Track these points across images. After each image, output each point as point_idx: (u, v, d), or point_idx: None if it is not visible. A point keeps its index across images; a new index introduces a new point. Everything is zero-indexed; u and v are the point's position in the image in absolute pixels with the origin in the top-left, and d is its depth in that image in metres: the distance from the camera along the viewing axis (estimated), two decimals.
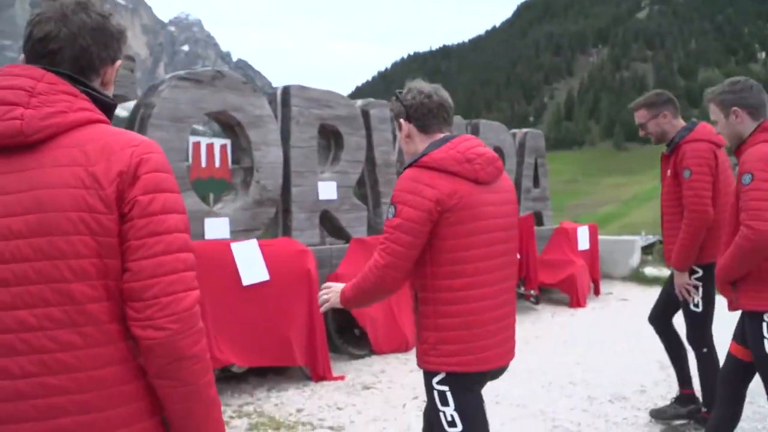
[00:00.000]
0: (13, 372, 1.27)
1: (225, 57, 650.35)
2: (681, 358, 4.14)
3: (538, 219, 10.54)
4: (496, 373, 2.40)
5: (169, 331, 1.30)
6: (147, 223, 1.32)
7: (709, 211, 3.54)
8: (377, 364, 5.63)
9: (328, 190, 6.74)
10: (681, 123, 3.86)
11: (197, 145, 5.80)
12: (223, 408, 4.43)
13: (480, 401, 2.34)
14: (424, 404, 4.14)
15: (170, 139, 5.32)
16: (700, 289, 3.73)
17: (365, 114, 7.32)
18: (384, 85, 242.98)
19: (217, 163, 5.97)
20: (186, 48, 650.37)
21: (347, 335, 6.08)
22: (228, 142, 6.04)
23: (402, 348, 6.04)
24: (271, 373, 5.23)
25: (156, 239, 1.33)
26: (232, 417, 4.36)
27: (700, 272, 3.72)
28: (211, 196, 6.11)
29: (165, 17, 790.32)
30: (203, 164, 5.85)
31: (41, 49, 1.40)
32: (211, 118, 5.96)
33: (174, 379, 1.35)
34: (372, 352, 5.95)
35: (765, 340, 2.77)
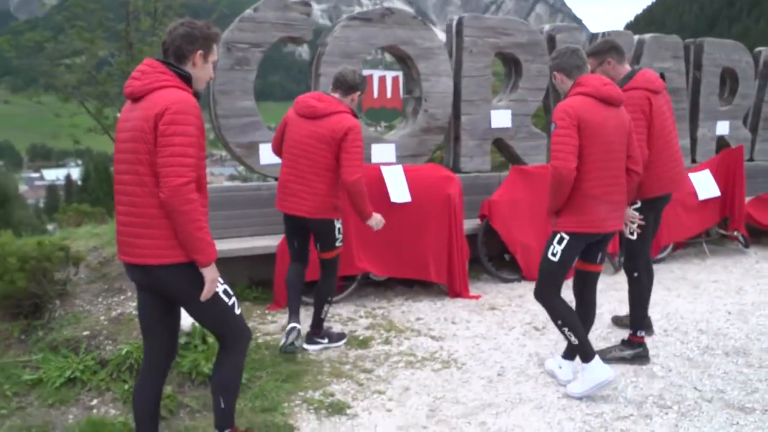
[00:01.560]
0: (121, 200, 2.63)
1: None
2: None
3: None
4: None
5: (165, 195, 2.46)
6: (162, 140, 2.47)
7: (643, 152, 3.92)
8: (521, 289, 5.84)
9: (501, 118, 6.87)
10: (626, 69, 4.15)
11: (369, 77, 6.41)
12: (357, 308, 5.20)
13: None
14: (533, 329, 4.49)
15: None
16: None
17: (551, 39, 7.15)
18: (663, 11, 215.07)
19: (389, 94, 6.54)
20: None
21: (500, 260, 6.34)
22: (400, 74, 6.53)
23: None
24: (417, 286, 5.81)
25: (166, 149, 2.47)
26: (361, 316, 5.09)
27: (639, 204, 4.13)
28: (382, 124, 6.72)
29: None
30: (375, 95, 6.46)
31: (162, 48, 2.70)
32: (382, 51, 6.49)
33: (172, 219, 2.50)
34: (523, 277, 6.14)
35: (551, 247, 3.61)
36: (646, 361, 4.13)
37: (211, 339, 3.88)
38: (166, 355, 2.84)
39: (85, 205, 14.03)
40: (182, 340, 3.88)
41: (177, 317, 2.84)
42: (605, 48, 4.18)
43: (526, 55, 6.93)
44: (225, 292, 2.72)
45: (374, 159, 6.19)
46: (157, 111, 2.48)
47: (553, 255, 3.59)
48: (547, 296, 3.67)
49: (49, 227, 17.61)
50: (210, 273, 2.58)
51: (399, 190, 5.51)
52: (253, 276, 5.70)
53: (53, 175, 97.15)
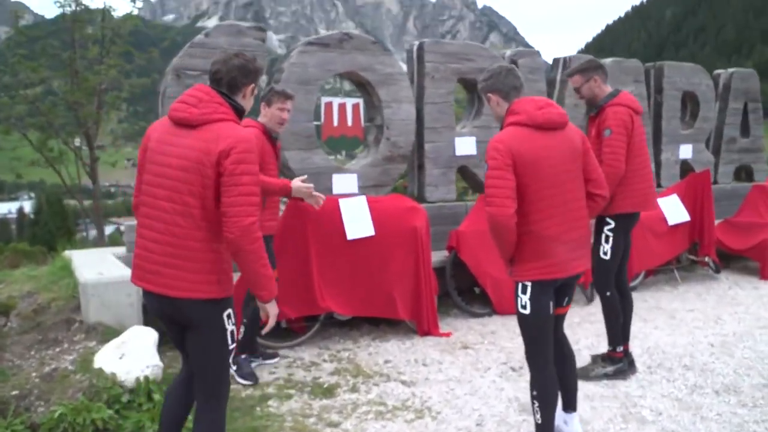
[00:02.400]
0: (154, 226, 2.53)
1: (470, 5, 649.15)
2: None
3: (748, 174, 9.19)
4: None
5: (234, 235, 2.42)
6: (230, 179, 2.42)
7: (621, 167, 4.02)
8: (493, 324, 5.56)
9: (466, 146, 6.66)
10: (608, 89, 4.21)
11: (329, 105, 6.14)
12: (321, 351, 4.84)
13: None
14: (509, 370, 4.13)
15: (298, 101, 5.67)
16: (611, 239, 4.14)
17: (513, 65, 7.00)
18: (639, 20, 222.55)
19: (350, 122, 6.26)
20: (433, 0, 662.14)
21: (470, 294, 6.06)
22: (360, 101, 6.28)
23: None
24: (384, 324, 5.47)
25: (234, 188, 2.41)
26: (325, 360, 4.72)
27: (612, 224, 4.14)
28: (343, 153, 6.42)
29: None
30: (335, 123, 6.17)
31: (213, 78, 2.62)
32: (342, 79, 6.23)
33: (238, 258, 2.48)
34: (494, 311, 5.87)
35: (518, 299, 3.11)
36: (629, 375, 4.22)
37: (157, 396, 3.47)
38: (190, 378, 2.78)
39: (24, 244, 13.32)
40: (124, 398, 3.47)
41: None
42: (592, 66, 4.23)
43: None
44: (231, 334, 2.64)
45: (335, 190, 5.89)
46: (222, 148, 2.43)
47: (524, 308, 3.07)
48: (535, 362, 3.12)
49: None
50: (272, 308, 2.63)
51: (360, 224, 5.20)
52: None
53: (5, 208, 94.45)
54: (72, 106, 11.72)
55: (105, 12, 12.23)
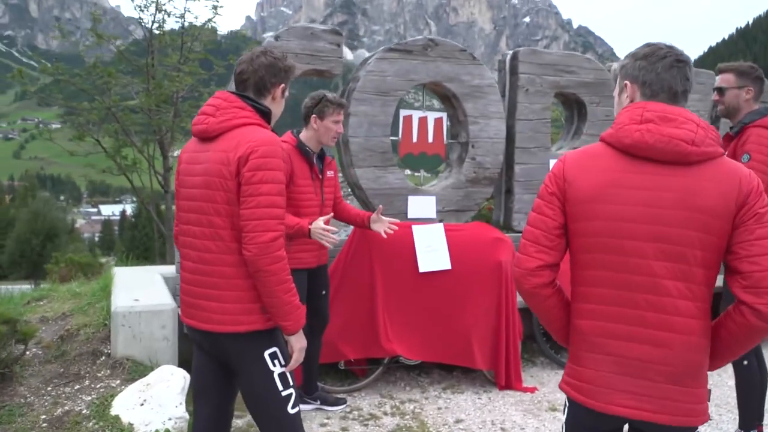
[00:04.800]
0: (189, 255, 2.33)
1: (565, 25, 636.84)
2: None
3: None
4: None
5: (251, 253, 2.12)
6: (248, 189, 2.13)
7: None
8: None
9: None
10: (756, 106, 3.47)
11: (408, 118, 5.51)
12: (382, 400, 4.19)
13: None
14: None
15: (374, 113, 5.14)
16: None
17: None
18: (743, 43, 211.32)
19: (430, 138, 5.60)
20: (527, 19, 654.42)
21: None
22: (444, 115, 5.62)
23: None
24: (458, 371, 4.75)
25: (252, 198, 2.13)
26: (386, 413, 4.05)
27: None
28: (422, 173, 5.76)
29: None
30: (414, 139, 5.54)
31: (238, 79, 2.34)
32: (425, 90, 5.60)
33: (258, 280, 2.17)
34: None
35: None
36: None
37: None
38: (215, 425, 2.42)
39: (86, 255, 13.38)
40: None
41: (234, 387, 2.44)
42: (754, 73, 3.52)
43: (592, 96, 5.95)
44: (282, 378, 2.28)
45: (410, 214, 5.24)
46: (241, 153, 2.15)
47: None
48: None
49: (102, 261, 17.39)
50: (298, 341, 2.30)
51: (435, 255, 4.52)
52: None
53: (109, 210, 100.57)
54: (147, 114, 11.68)
55: (183, 17, 12.18)
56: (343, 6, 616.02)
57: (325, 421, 3.91)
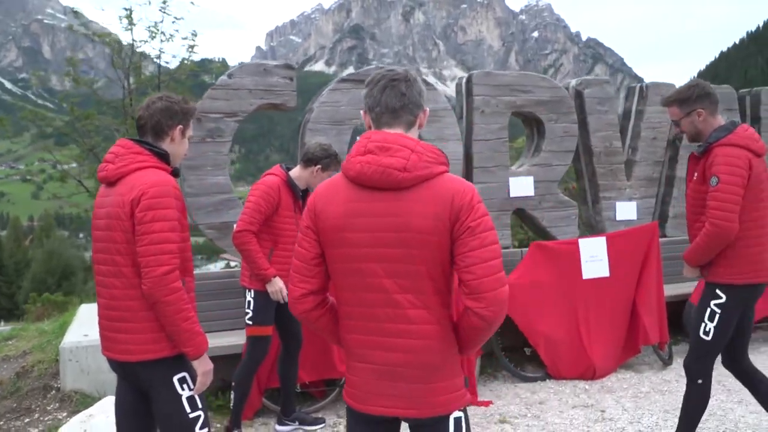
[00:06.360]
0: (101, 293, 2.48)
1: (574, 38, 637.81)
2: None
3: None
4: None
5: (147, 286, 2.30)
6: (141, 228, 2.31)
7: (732, 227, 3.12)
8: (544, 392, 4.80)
9: (522, 186, 5.99)
10: (718, 121, 3.30)
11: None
12: (338, 419, 4.30)
13: None
14: None
15: (330, 141, 5.30)
16: (717, 317, 3.26)
17: (578, 95, 6.31)
18: (755, 47, 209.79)
19: None
20: (536, 34, 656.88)
21: (519, 354, 5.32)
22: None
23: (587, 375, 5.05)
24: None
25: (146, 236, 2.31)
26: None
27: (723, 298, 3.25)
28: None
29: (516, 7, 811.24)
30: None
31: (137, 124, 2.54)
32: None
33: (157, 311, 2.33)
34: (548, 375, 5.10)
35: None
36: None
37: None
38: None
39: (58, 295, 13.55)
40: None
41: (152, 419, 2.54)
42: (694, 95, 3.31)
43: (549, 113, 6.10)
44: (190, 401, 2.44)
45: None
46: (134, 196, 2.34)
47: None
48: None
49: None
50: (201, 365, 2.42)
51: None
52: (225, 378, 4.88)
53: None
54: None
55: (158, 59, 12.66)
56: (351, 31, 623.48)
57: None
